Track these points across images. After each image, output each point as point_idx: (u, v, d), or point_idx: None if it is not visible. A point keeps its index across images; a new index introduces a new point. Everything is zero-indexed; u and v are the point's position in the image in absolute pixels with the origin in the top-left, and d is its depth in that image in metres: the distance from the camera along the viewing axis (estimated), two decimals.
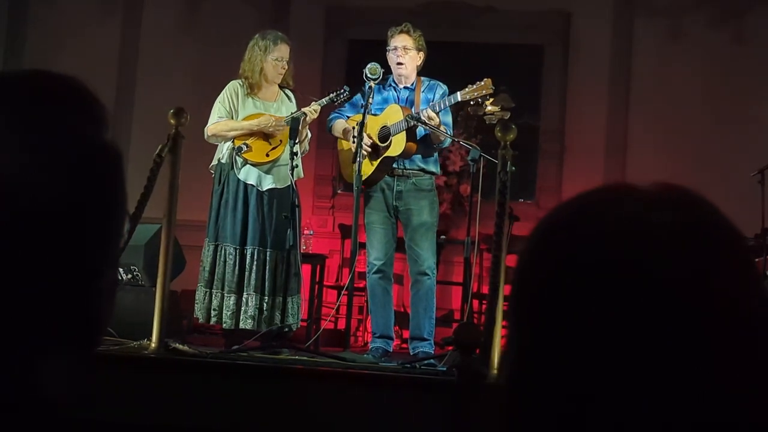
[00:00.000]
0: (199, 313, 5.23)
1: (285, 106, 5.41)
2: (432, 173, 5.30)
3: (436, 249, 5.34)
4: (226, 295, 5.16)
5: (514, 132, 4.20)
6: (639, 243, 0.70)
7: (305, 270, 5.73)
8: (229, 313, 5.14)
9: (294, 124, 5.16)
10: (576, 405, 0.70)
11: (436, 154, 5.35)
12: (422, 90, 5.30)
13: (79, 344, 0.82)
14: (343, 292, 5.76)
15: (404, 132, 5.12)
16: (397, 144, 5.14)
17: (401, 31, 5.28)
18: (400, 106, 5.21)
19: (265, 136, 5.30)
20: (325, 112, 5.47)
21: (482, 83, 5.12)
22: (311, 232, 6.76)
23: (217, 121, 5.31)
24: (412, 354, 5.05)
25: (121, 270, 5.46)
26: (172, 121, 4.34)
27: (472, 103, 5.44)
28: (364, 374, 4.06)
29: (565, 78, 7.91)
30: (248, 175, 5.26)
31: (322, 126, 5.82)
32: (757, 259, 5.59)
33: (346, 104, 5.43)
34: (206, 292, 5.20)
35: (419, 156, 5.21)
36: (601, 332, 0.69)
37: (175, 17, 8.27)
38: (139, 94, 8.20)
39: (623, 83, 7.82)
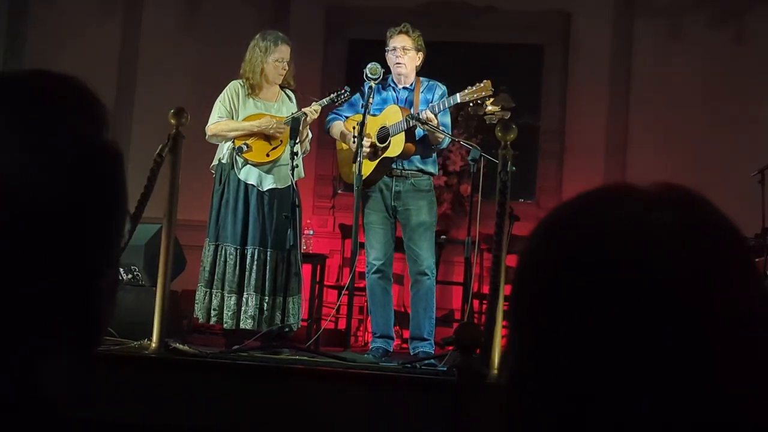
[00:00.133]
0: (199, 313, 5.23)
1: (286, 107, 5.41)
2: (430, 174, 5.30)
3: (435, 249, 5.34)
4: (226, 295, 5.16)
5: (515, 132, 4.20)
6: (639, 243, 0.70)
7: (305, 270, 5.73)
8: (229, 313, 5.14)
9: (294, 124, 5.17)
10: (576, 405, 0.70)
11: (434, 155, 5.35)
12: (421, 90, 5.30)
13: (80, 344, 0.82)
14: (343, 292, 5.76)
15: (403, 133, 5.12)
16: (396, 145, 5.14)
17: (400, 32, 5.28)
18: (399, 107, 5.22)
19: (266, 136, 5.30)
20: (325, 112, 5.47)
21: (482, 85, 5.13)
22: (311, 232, 6.76)
23: (217, 121, 5.31)
24: (412, 354, 5.05)
25: (121, 270, 5.46)
26: (172, 121, 4.35)
27: (471, 104, 5.44)
28: (364, 374, 4.06)
29: (565, 78, 7.91)
30: (249, 175, 5.26)
31: (322, 126, 5.82)
32: (757, 259, 5.59)
33: (344, 104, 5.43)
34: (206, 292, 5.20)
35: (418, 157, 5.22)
36: (601, 332, 0.69)
37: (175, 17, 8.27)
38: (139, 94, 8.20)
39: (623, 83, 7.82)
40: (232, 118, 5.33)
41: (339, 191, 7.91)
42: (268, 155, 5.27)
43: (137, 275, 5.54)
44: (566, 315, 0.71)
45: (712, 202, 0.74)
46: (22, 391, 0.77)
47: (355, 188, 5.08)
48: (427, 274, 5.15)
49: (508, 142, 4.14)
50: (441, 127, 5.12)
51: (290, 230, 5.05)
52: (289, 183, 5.14)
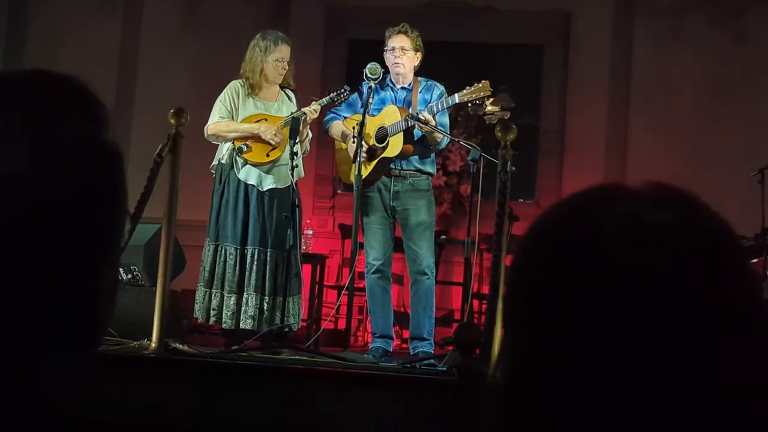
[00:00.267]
0: (198, 313, 5.22)
1: (285, 106, 5.41)
2: (429, 174, 5.30)
3: (435, 249, 5.34)
4: (226, 295, 5.16)
5: (514, 132, 4.20)
6: (639, 242, 0.70)
7: (305, 270, 5.73)
8: (229, 313, 5.14)
9: (294, 124, 5.16)
10: (573, 405, 0.69)
11: (433, 155, 5.35)
12: (419, 90, 5.30)
13: (79, 344, 0.82)
14: (343, 292, 5.76)
15: (401, 133, 5.12)
16: (395, 145, 5.14)
17: (399, 32, 5.28)
18: (398, 107, 5.21)
19: None
20: (324, 112, 5.47)
21: (480, 85, 5.13)
22: (311, 232, 6.76)
23: (218, 121, 5.31)
24: (412, 354, 5.05)
25: (121, 270, 5.46)
26: (172, 121, 4.35)
27: (470, 104, 5.44)
28: (364, 374, 4.06)
29: (565, 78, 7.91)
30: (249, 175, 5.26)
31: (321, 126, 5.81)
32: (757, 259, 5.59)
33: (342, 104, 5.43)
34: (206, 292, 5.20)
35: (416, 157, 5.22)
36: (599, 332, 0.69)
37: (175, 16, 8.27)
38: (140, 94, 8.20)
39: (623, 83, 7.81)
40: (233, 118, 5.33)
41: (339, 191, 7.91)
42: (268, 155, 5.27)
43: (137, 275, 5.54)
44: (563, 314, 0.70)
45: (705, 201, 0.74)
46: (22, 391, 0.77)
47: (354, 188, 5.08)
48: (427, 274, 5.15)
49: (508, 142, 4.14)
50: (439, 128, 5.11)
51: (290, 230, 5.05)
52: (289, 183, 5.14)
